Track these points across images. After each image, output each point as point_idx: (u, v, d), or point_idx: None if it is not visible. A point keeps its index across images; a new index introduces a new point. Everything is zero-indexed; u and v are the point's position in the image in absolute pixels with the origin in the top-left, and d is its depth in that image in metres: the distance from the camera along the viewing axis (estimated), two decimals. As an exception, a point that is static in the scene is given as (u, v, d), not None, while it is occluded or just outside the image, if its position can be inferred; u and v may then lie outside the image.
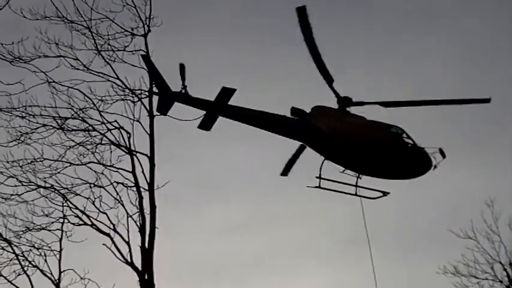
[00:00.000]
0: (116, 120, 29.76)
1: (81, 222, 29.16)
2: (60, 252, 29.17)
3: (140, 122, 29.73)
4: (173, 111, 23.16)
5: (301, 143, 24.28)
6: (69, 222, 29.20)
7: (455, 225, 37.50)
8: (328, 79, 23.74)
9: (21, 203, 29.27)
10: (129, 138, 29.64)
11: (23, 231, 29.13)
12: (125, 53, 30.18)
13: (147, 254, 28.55)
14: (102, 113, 29.76)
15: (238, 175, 41.88)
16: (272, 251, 43.32)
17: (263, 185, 39.34)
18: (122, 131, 29.65)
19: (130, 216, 29.03)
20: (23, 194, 29.30)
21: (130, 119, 29.72)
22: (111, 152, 29.59)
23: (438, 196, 41.41)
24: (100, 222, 29.03)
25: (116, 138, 29.68)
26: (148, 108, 29.82)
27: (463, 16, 48.39)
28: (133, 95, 29.90)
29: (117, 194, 29.23)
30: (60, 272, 29.00)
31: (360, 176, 23.92)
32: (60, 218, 29.29)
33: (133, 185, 29.31)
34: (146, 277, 28.36)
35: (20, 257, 28.90)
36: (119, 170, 29.46)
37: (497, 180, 44.42)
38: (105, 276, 29.41)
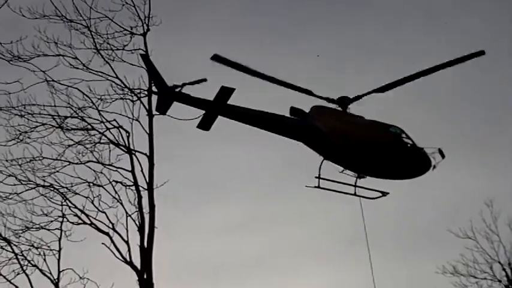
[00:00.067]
0: (115, 119, 29.79)
1: (80, 221, 29.17)
2: (59, 251, 29.16)
3: (139, 121, 29.76)
4: (172, 111, 23.17)
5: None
6: (68, 221, 29.23)
7: (455, 225, 37.56)
8: (306, 92, 23.80)
9: (20, 202, 29.32)
10: (128, 137, 29.66)
11: (22, 230, 29.16)
12: (124, 52, 30.25)
13: (146, 253, 28.56)
14: (101, 112, 29.81)
15: (237, 175, 41.86)
16: (272, 251, 43.32)
17: (263, 184, 39.35)
18: (121, 130, 29.68)
19: (130, 215, 29.05)
20: (22, 192, 29.35)
21: (129, 118, 29.78)
22: (110, 151, 29.64)
23: (437, 196, 41.41)
24: (99, 221, 29.08)
25: (115, 138, 29.71)
26: (147, 107, 29.83)
27: (463, 16, 48.40)
28: (133, 94, 29.90)
29: (116, 193, 29.25)
30: (59, 272, 28.99)
31: (360, 176, 23.88)
32: (59, 217, 29.30)
33: (132, 184, 29.31)
34: (145, 276, 28.38)
35: (19, 257, 28.91)
36: (118, 169, 29.49)
37: (496, 180, 44.44)
38: (104, 276, 29.43)
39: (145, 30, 30.50)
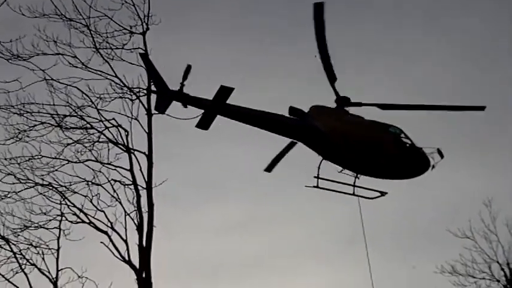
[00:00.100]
0: (114, 118, 29.78)
1: (79, 220, 29.16)
2: (57, 250, 29.15)
3: (138, 120, 29.75)
4: (171, 110, 23.16)
5: (292, 140, 24.28)
6: (67, 220, 29.19)
7: (453, 225, 37.56)
8: (332, 78, 23.73)
9: (19, 201, 29.30)
10: (127, 136, 29.65)
11: (20, 229, 29.14)
12: (123, 51, 30.22)
13: (145, 252, 28.54)
14: (100, 111, 29.80)
15: (236, 174, 41.86)
16: (271, 250, 43.31)
17: (262, 184, 39.28)
18: (120, 129, 29.66)
19: (128, 214, 29.04)
20: (20, 191, 29.33)
21: (128, 117, 29.76)
22: (108, 150, 29.62)
23: (436, 196, 41.42)
24: (98, 220, 29.05)
25: (114, 136, 29.71)
26: (146, 106, 29.80)
27: (463, 16, 48.39)
28: (132, 93, 29.89)
29: (115, 192, 29.23)
30: (57, 271, 28.98)
31: (358, 175, 23.89)
32: (58, 215, 29.28)
33: (131, 183, 29.30)
34: (144, 275, 28.35)
35: (17, 255, 28.91)
36: (117, 168, 29.47)
37: (495, 180, 44.44)
38: (103, 275, 29.42)
39: (144, 29, 30.50)
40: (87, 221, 29.08)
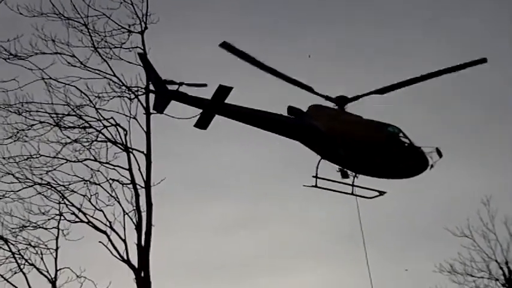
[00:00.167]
0: (112, 117, 29.75)
1: (77, 220, 29.12)
2: (56, 250, 29.12)
3: (137, 119, 29.71)
4: (170, 110, 23.16)
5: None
6: (65, 219, 29.17)
7: (452, 224, 37.53)
8: (308, 88, 23.81)
9: (18, 201, 29.26)
10: (125, 135, 29.61)
11: (19, 229, 29.11)
12: (121, 50, 30.18)
13: (144, 251, 28.51)
14: (98, 110, 29.75)
15: (235, 173, 41.90)
16: (269, 249, 43.35)
17: (260, 183, 39.39)
18: (119, 128, 29.61)
19: (127, 213, 29.00)
20: (19, 191, 29.29)
21: (126, 116, 29.70)
22: (107, 149, 29.58)
23: (435, 195, 41.47)
24: (96, 219, 29.01)
25: (112, 136, 29.67)
26: (145, 105, 29.77)
27: (463, 16, 48.41)
28: (130, 92, 29.86)
29: (113, 191, 29.20)
30: (56, 271, 28.97)
31: (357, 175, 23.89)
32: (57, 215, 29.26)
33: (129, 182, 29.26)
34: (142, 275, 28.33)
35: (16, 255, 28.87)
36: (116, 168, 29.43)
37: (493, 178, 44.45)
38: (101, 274, 29.40)
39: (143, 28, 30.46)
40: (86, 220, 29.06)
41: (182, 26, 40.17)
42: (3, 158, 29.32)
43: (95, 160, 29.49)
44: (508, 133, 45.71)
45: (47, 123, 29.61)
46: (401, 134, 24.12)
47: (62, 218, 29.18)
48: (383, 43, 45.66)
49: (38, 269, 28.85)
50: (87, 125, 29.72)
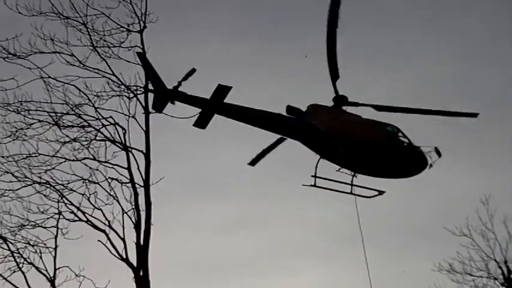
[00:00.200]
0: (111, 116, 29.69)
1: (76, 219, 29.11)
2: (55, 249, 29.08)
3: (136, 118, 29.65)
4: (169, 109, 23.16)
5: (280, 136, 24.29)
6: (64, 218, 29.15)
7: (451, 223, 37.58)
8: (334, 75, 23.73)
9: (17, 200, 29.24)
10: (124, 134, 29.56)
11: (18, 228, 29.09)
12: (120, 49, 30.13)
13: (143, 250, 28.49)
14: (97, 109, 29.67)
15: (234, 173, 41.89)
16: (268, 249, 43.37)
17: (259, 183, 39.37)
18: (118, 127, 29.56)
19: (126, 212, 28.97)
20: (18, 189, 29.26)
21: (125, 115, 29.63)
22: (106, 148, 29.55)
23: (434, 194, 41.50)
24: (95, 218, 29.00)
25: (111, 134, 29.62)
26: (143, 104, 29.75)
27: (463, 16, 48.43)
28: (129, 91, 29.81)
29: (112, 190, 29.19)
30: (55, 269, 28.92)
31: (356, 174, 23.92)
32: (56, 214, 29.24)
33: (128, 181, 29.25)
34: (141, 274, 28.31)
35: (15, 254, 28.82)
36: (114, 166, 29.38)
37: (492, 178, 44.52)
38: (100, 273, 29.39)
39: (142, 28, 30.41)
40: (85, 219, 29.04)
41: (182, 26, 40.19)
42: (2, 156, 29.31)
43: (94, 159, 29.47)
44: (508, 133, 45.78)
45: (46, 122, 29.60)
46: (400, 134, 24.16)
47: (61, 216, 29.17)
48: (383, 43, 45.70)
49: (36, 268, 28.82)
50: (86, 124, 29.70)
